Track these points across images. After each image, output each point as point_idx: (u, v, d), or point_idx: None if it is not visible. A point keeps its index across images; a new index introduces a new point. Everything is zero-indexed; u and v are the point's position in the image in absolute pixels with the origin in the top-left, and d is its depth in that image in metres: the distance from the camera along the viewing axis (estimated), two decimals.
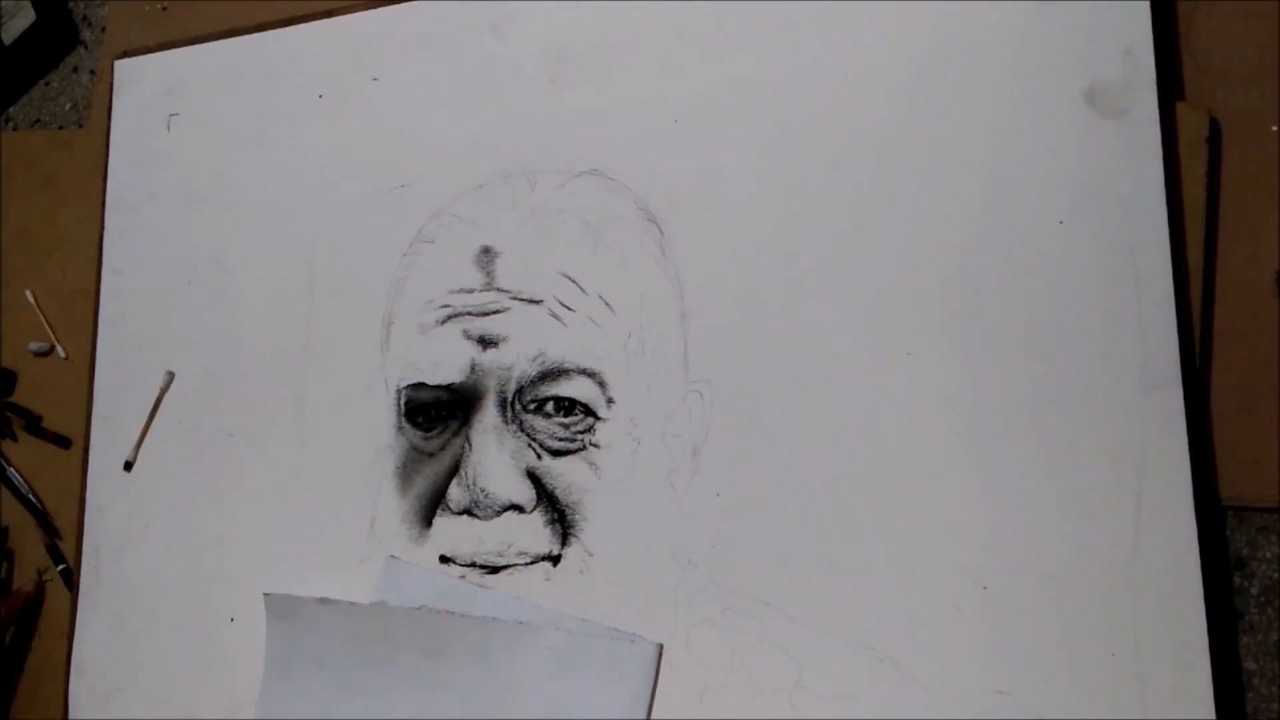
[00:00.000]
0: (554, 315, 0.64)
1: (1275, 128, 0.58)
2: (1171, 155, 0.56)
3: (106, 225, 0.79)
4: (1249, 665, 0.56)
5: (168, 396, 0.75)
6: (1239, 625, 0.56)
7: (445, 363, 0.65)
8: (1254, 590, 0.56)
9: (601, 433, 0.62)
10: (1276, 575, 0.56)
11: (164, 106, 0.78)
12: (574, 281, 0.64)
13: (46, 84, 0.89)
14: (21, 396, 0.83)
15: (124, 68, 0.81)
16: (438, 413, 0.66)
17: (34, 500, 0.81)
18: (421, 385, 0.66)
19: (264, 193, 0.74)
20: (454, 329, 0.66)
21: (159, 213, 0.78)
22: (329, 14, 0.74)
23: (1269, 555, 0.57)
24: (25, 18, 0.86)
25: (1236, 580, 0.57)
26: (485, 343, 0.65)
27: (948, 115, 0.58)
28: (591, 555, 0.62)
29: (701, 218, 0.62)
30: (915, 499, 0.56)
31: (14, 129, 0.90)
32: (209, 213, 0.76)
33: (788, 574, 0.58)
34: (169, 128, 0.78)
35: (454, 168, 0.68)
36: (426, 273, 0.68)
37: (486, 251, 0.66)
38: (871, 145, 0.60)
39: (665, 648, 0.60)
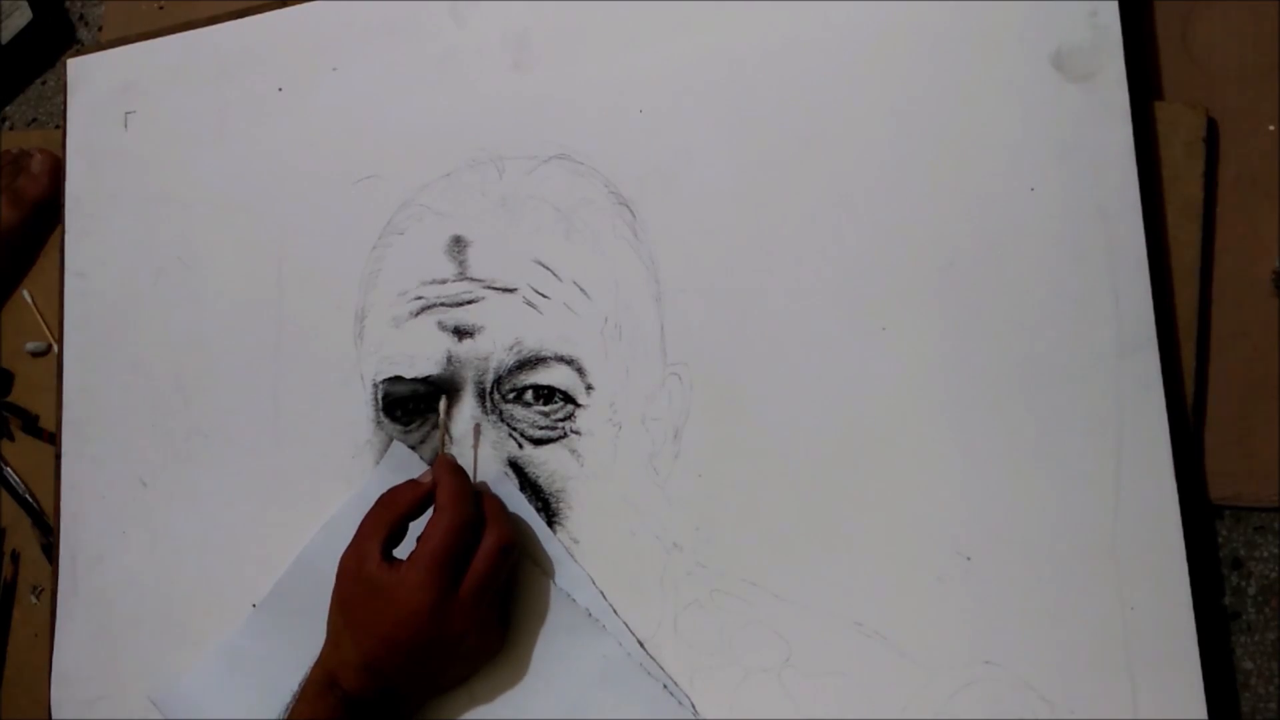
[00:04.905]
0: (529, 303, 0.63)
1: (1274, 127, 0.58)
2: (1143, 116, 0.56)
3: (67, 228, 0.77)
4: (1246, 665, 0.56)
5: (140, 399, 0.74)
6: (1236, 625, 0.57)
7: (421, 355, 0.65)
8: (1251, 590, 0.57)
9: (582, 419, 0.62)
10: (1274, 575, 0.57)
11: (120, 104, 0.76)
12: (547, 268, 0.63)
13: (43, 83, 0.88)
14: (19, 396, 0.83)
15: (77, 66, 0.79)
16: (416, 406, 0.65)
17: (31, 500, 0.80)
18: (398, 379, 0.66)
19: (227, 189, 0.73)
20: (428, 321, 0.65)
21: (120, 213, 0.76)
22: (283, 3, 0.72)
23: (1266, 555, 0.57)
24: (22, 16, 0.85)
25: (1234, 580, 0.57)
26: (461, 333, 0.64)
27: (916, 87, 0.58)
28: (577, 543, 0.62)
29: (673, 199, 0.62)
30: (896, 472, 0.57)
31: (10, 128, 0.89)
32: (171, 211, 0.74)
33: (773, 553, 0.58)
34: (126, 126, 0.76)
35: (420, 157, 0.67)
36: (398, 265, 0.67)
37: (457, 241, 0.65)
38: (840, 120, 0.59)
39: (654, 632, 0.60)
